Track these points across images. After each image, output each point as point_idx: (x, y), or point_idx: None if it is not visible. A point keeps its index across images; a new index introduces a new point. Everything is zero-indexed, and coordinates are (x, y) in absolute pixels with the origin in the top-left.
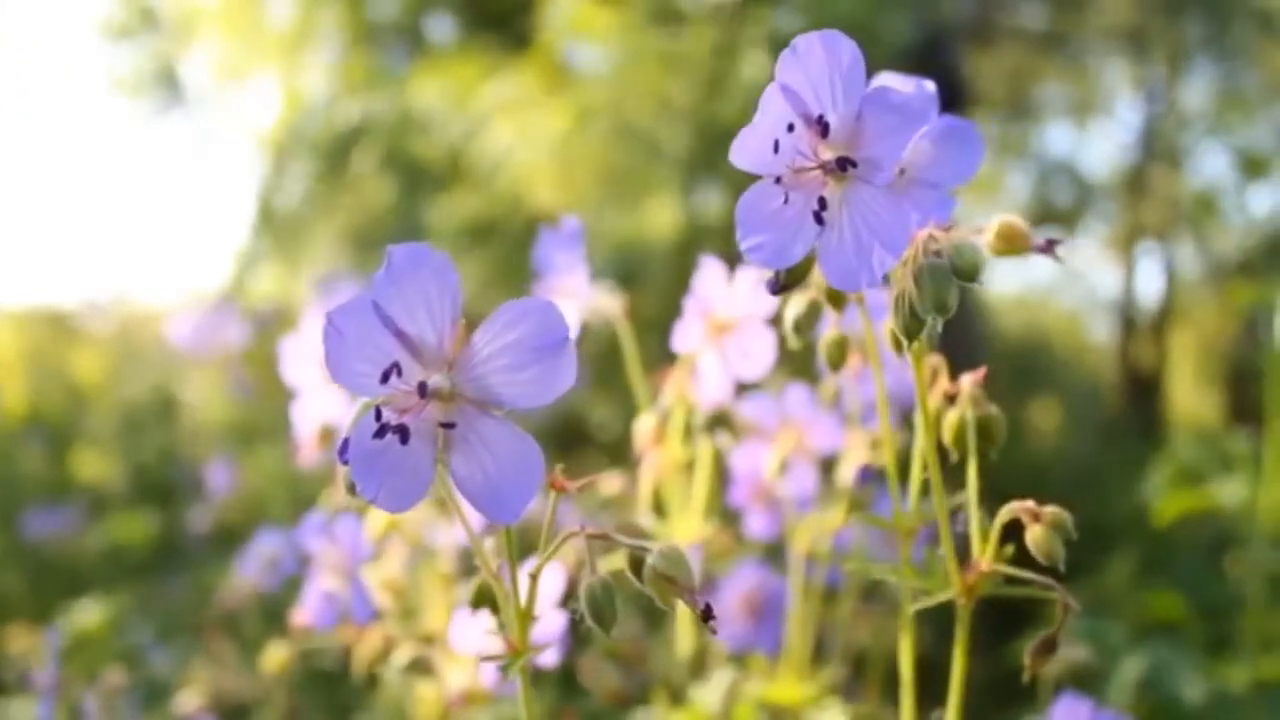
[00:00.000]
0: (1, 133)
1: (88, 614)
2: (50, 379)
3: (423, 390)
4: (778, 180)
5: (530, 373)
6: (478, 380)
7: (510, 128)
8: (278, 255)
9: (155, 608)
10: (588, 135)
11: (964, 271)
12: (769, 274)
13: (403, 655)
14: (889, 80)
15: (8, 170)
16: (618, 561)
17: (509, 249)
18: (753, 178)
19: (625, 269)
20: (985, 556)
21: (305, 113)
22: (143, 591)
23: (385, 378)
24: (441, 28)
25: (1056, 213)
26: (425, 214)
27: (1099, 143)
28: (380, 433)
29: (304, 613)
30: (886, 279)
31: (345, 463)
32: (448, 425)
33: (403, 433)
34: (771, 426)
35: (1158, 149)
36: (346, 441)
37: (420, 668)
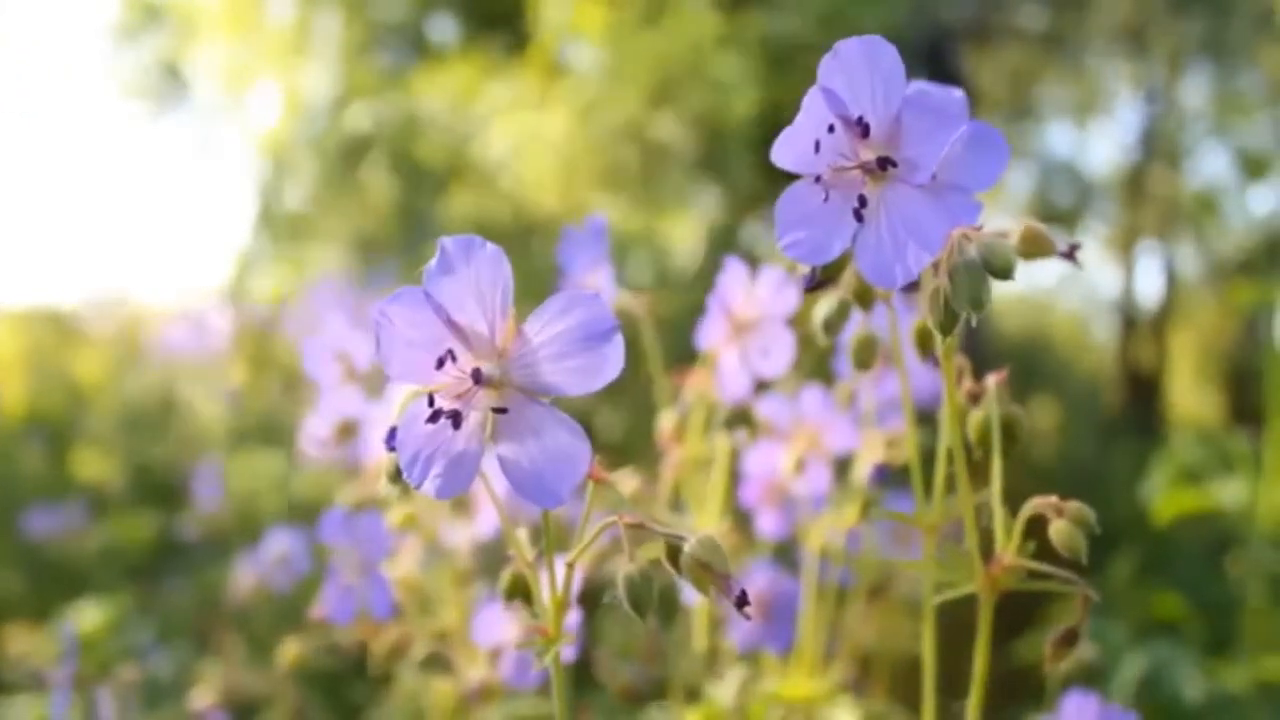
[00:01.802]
0: (3, 132)
1: (88, 615)
2: (50, 379)
3: (477, 376)
4: (817, 179)
5: (579, 361)
6: (528, 368)
7: (511, 128)
8: (279, 256)
9: (155, 608)
10: (585, 134)
11: (997, 270)
12: (804, 270)
13: (420, 651)
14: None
15: (9, 170)
16: (648, 553)
17: (511, 248)
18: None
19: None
20: (1009, 551)
21: (308, 114)
22: (142, 592)
23: (440, 364)
24: (443, 29)
25: (1057, 212)
26: (430, 215)
27: (1099, 143)
28: (433, 418)
29: (322, 607)
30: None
31: (392, 449)
32: (500, 410)
33: (455, 418)
34: (786, 427)
35: (1158, 149)
36: (393, 430)
37: (436, 663)
